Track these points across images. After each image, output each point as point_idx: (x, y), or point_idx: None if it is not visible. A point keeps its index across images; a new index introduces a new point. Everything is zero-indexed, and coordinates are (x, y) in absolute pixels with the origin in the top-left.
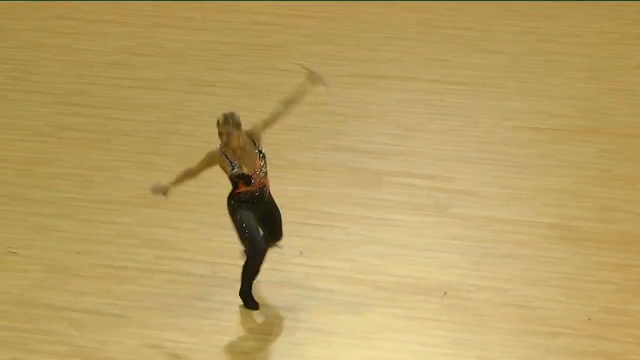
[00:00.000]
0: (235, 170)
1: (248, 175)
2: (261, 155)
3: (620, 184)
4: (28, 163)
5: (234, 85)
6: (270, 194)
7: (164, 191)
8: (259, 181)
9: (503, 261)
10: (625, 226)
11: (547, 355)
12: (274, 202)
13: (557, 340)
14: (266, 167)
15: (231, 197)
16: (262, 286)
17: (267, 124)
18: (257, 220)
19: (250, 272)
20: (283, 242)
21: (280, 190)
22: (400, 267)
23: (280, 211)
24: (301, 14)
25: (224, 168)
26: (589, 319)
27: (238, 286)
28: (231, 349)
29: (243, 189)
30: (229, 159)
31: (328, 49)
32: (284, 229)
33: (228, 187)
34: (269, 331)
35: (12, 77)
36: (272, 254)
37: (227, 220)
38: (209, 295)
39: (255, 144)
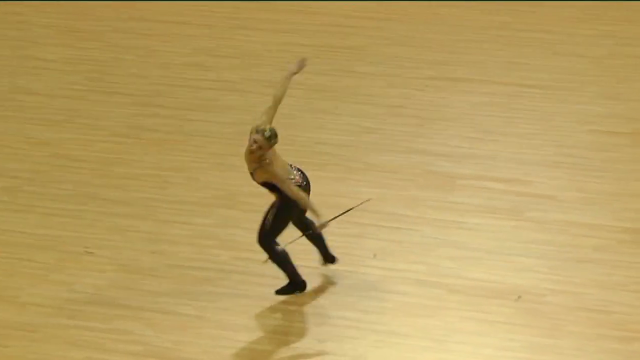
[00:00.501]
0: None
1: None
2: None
3: None
4: (105, 163)
5: (310, 87)
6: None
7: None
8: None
9: (579, 265)
10: None
11: None
12: (272, 210)
13: (633, 345)
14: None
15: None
16: (336, 289)
17: (270, 120)
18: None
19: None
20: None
21: (354, 192)
22: (475, 270)
23: (265, 219)
24: (380, 16)
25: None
26: None
27: (316, 287)
28: (304, 351)
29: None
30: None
31: (406, 50)
32: (261, 238)
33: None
34: (344, 333)
35: (91, 78)
36: (346, 256)
37: None
38: (284, 297)
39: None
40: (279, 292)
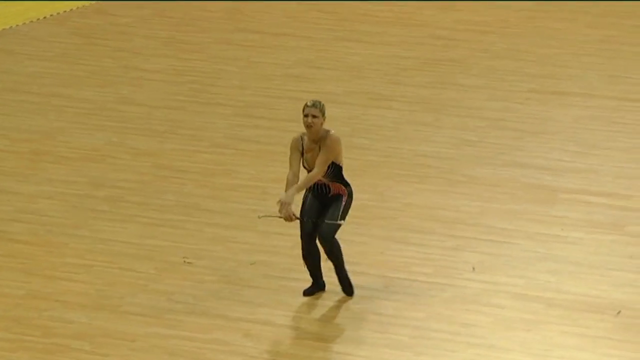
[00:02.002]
0: (303, 156)
1: (306, 168)
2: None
3: None
4: (207, 174)
5: (411, 100)
6: (339, 195)
7: (287, 204)
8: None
9: None
10: None
11: None
12: (341, 204)
13: None
14: (333, 174)
15: None
16: (434, 301)
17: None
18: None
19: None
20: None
21: (454, 205)
22: (575, 285)
23: (336, 216)
24: (482, 29)
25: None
26: None
27: (409, 299)
28: None
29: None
30: (303, 146)
31: (507, 64)
32: (327, 231)
33: (404, 201)
34: (441, 346)
35: (193, 89)
36: (445, 269)
37: (401, 235)
38: (381, 309)
39: (320, 146)
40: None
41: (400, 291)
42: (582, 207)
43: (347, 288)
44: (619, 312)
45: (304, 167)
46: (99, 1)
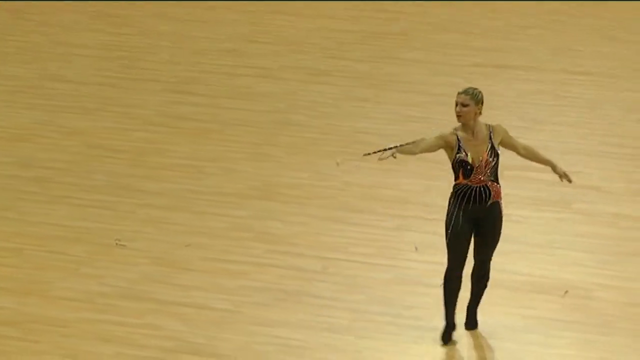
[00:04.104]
0: (460, 153)
1: (470, 164)
2: (493, 153)
3: None
4: (139, 153)
5: (351, 75)
6: (497, 203)
7: (388, 155)
8: (480, 177)
9: (629, 259)
10: None
11: None
12: (501, 218)
13: None
14: (495, 169)
15: (453, 188)
16: (375, 283)
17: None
18: (475, 230)
19: (444, 292)
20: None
21: (396, 184)
22: (521, 265)
23: (500, 234)
24: (425, 2)
25: (450, 149)
26: None
27: (349, 281)
28: (342, 346)
29: (461, 180)
30: (458, 139)
31: (451, 37)
32: (491, 255)
33: (343, 179)
34: (382, 329)
35: (124, 65)
36: (386, 249)
37: (341, 214)
38: (321, 291)
39: (491, 137)
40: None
41: (340, 273)
42: (527, 184)
43: (474, 321)
44: (565, 292)
45: (471, 165)
46: None
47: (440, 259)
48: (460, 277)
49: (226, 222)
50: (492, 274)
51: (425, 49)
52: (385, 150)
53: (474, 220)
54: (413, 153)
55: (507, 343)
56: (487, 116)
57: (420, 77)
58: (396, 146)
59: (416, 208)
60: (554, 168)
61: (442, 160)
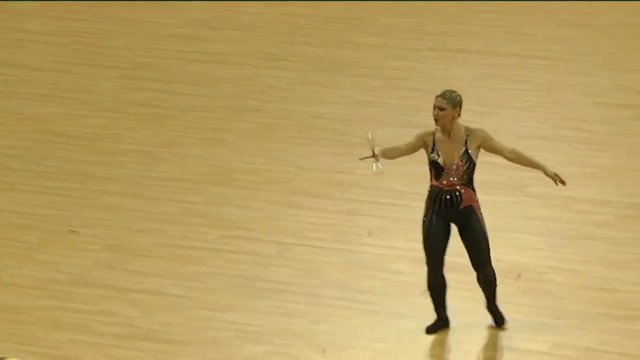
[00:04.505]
0: (433, 154)
1: (441, 165)
2: (465, 158)
3: None
4: (92, 139)
5: (306, 59)
6: (470, 207)
7: (373, 149)
8: (450, 181)
9: (582, 242)
10: None
11: (625, 339)
12: (479, 222)
13: (635, 324)
14: (466, 175)
15: (428, 189)
16: (329, 268)
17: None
18: (460, 236)
19: (430, 295)
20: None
21: (350, 168)
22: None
23: (485, 237)
24: None
25: (426, 149)
26: None
27: (304, 266)
28: (297, 331)
29: (433, 181)
30: (434, 140)
31: (406, 21)
32: (487, 258)
33: (298, 164)
34: (337, 313)
35: (78, 50)
36: (341, 234)
37: (296, 199)
38: (275, 277)
39: (467, 141)
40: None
41: (295, 257)
42: (483, 168)
43: (500, 317)
44: (519, 276)
45: (442, 167)
46: None
47: (394, 244)
48: (442, 276)
49: (181, 208)
50: (447, 257)
51: (379, 34)
52: (373, 156)
53: (450, 224)
54: (393, 157)
55: (459, 325)
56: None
57: (375, 61)
58: (374, 155)
59: (370, 192)
60: (545, 171)
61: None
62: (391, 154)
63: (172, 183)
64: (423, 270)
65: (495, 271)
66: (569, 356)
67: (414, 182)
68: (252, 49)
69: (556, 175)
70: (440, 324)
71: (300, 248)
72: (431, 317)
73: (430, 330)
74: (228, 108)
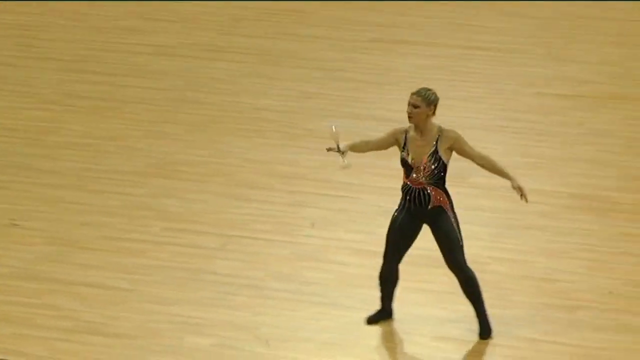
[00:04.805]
0: (403, 152)
1: (410, 165)
2: (434, 158)
3: None
4: (35, 132)
5: (248, 51)
6: (440, 208)
7: (337, 142)
8: (419, 180)
9: (524, 232)
10: None
11: (567, 329)
12: (449, 221)
13: (577, 313)
14: (435, 175)
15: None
16: (273, 260)
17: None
18: (432, 233)
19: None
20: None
21: (294, 160)
22: (418, 239)
23: (456, 237)
24: None
25: (398, 146)
26: (610, 292)
27: (248, 258)
28: (241, 323)
29: (404, 179)
30: (405, 139)
31: (347, 13)
32: (460, 259)
33: (243, 156)
34: (281, 305)
35: (20, 43)
36: (285, 225)
37: (240, 191)
38: (220, 269)
39: (437, 143)
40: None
41: (239, 250)
42: None
43: (486, 328)
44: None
45: (410, 166)
46: None
47: (338, 235)
48: (396, 271)
49: (124, 201)
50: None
51: (321, 25)
52: (337, 150)
53: (420, 222)
54: (363, 151)
55: (404, 316)
56: (384, 92)
57: (317, 53)
58: (339, 150)
59: (313, 184)
60: (512, 182)
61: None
62: (360, 148)
63: (115, 176)
64: (367, 261)
65: (474, 274)
66: (513, 346)
67: (357, 174)
68: (195, 41)
69: (520, 189)
70: (382, 315)
71: (244, 240)
72: (376, 308)
73: (370, 320)
74: (172, 100)
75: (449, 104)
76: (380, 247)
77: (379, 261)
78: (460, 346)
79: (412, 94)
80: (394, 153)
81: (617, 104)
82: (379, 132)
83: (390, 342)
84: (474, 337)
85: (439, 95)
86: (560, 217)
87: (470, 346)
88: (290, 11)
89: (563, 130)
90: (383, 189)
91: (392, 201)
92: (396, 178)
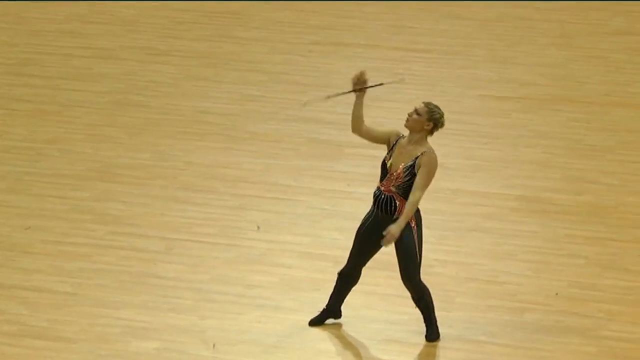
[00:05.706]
0: (387, 154)
1: (385, 168)
2: (409, 172)
3: (591, 154)
4: None
5: (190, 54)
6: (404, 222)
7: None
8: (389, 188)
9: (468, 234)
10: (595, 197)
11: (514, 331)
12: (410, 235)
13: (524, 316)
14: (406, 189)
15: None
16: (217, 263)
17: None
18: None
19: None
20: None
21: (237, 163)
22: None
23: (414, 251)
24: None
25: (387, 147)
26: (556, 294)
27: (192, 261)
28: (186, 327)
29: (378, 182)
30: (395, 143)
31: (288, 15)
32: (413, 272)
33: (185, 159)
34: (226, 309)
35: None
36: (228, 228)
37: (183, 195)
38: (164, 272)
39: (416, 160)
40: None
41: (183, 253)
42: (368, 161)
43: (434, 333)
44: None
45: (387, 170)
46: None
47: (282, 238)
48: (353, 271)
49: (66, 204)
50: (335, 252)
51: (262, 28)
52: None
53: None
54: (358, 126)
55: (349, 319)
56: (326, 94)
57: (259, 55)
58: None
59: (257, 187)
60: (392, 225)
61: (281, 139)
62: (359, 120)
63: (57, 179)
64: (311, 264)
65: (426, 288)
66: (459, 349)
67: (299, 176)
68: (135, 44)
69: (387, 233)
70: (326, 315)
71: (187, 243)
72: (316, 308)
73: (313, 322)
74: (112, 103)
75: (389, 106)
76: (325, 250)
77: (324, 264)
78: (407, 348)
79: (422, 102)
80: (340, 156)
81: (560, 106)
82: (322, 134)
83: (337, 344)
84: (421, 339)
85: (381, 97)
86: (504, 219)
87: (417, 349)
88: (229, 13)
89: (506, 132)
90: (327, 191)
91: (336, 204)
92: (339, 181)
